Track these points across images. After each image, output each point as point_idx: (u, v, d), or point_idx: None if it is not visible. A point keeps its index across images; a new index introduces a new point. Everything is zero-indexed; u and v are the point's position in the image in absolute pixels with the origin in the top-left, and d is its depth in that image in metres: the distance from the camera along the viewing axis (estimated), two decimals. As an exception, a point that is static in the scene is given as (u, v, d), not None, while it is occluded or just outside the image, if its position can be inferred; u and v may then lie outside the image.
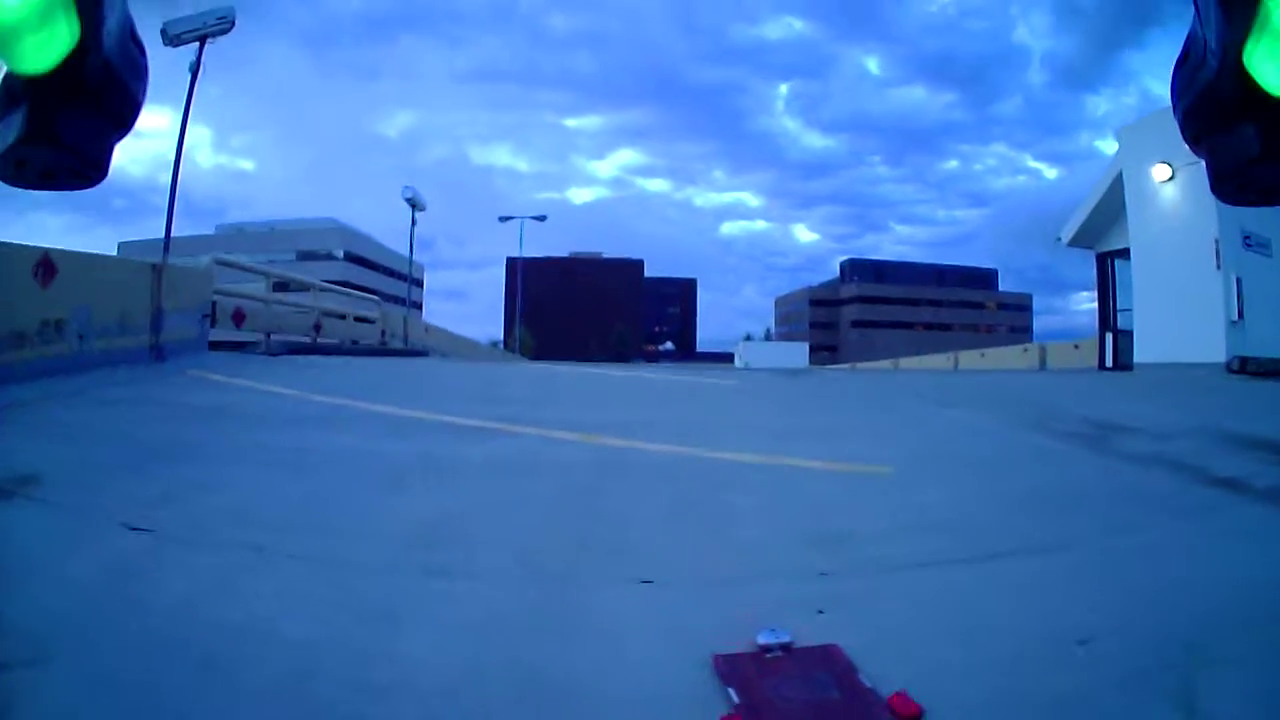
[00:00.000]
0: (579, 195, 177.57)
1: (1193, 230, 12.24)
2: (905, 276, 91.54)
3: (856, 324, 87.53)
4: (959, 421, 6.66)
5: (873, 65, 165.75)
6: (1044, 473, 4.29)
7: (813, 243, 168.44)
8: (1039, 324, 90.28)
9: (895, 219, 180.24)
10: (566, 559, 2.71)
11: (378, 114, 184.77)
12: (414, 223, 23.03)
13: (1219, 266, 11.92)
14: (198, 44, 11.51)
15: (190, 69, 11.64)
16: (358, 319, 18.73)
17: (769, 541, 2.96)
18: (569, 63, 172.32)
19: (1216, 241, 11.88)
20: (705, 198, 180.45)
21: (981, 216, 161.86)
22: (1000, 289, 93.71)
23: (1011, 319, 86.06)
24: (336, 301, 18.19)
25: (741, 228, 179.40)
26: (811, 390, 10.02)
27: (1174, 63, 0.92)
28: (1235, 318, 12.02)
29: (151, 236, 13.04)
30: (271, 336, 13.33)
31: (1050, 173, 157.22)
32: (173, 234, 12.41)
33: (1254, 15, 0.77)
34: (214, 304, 11.25)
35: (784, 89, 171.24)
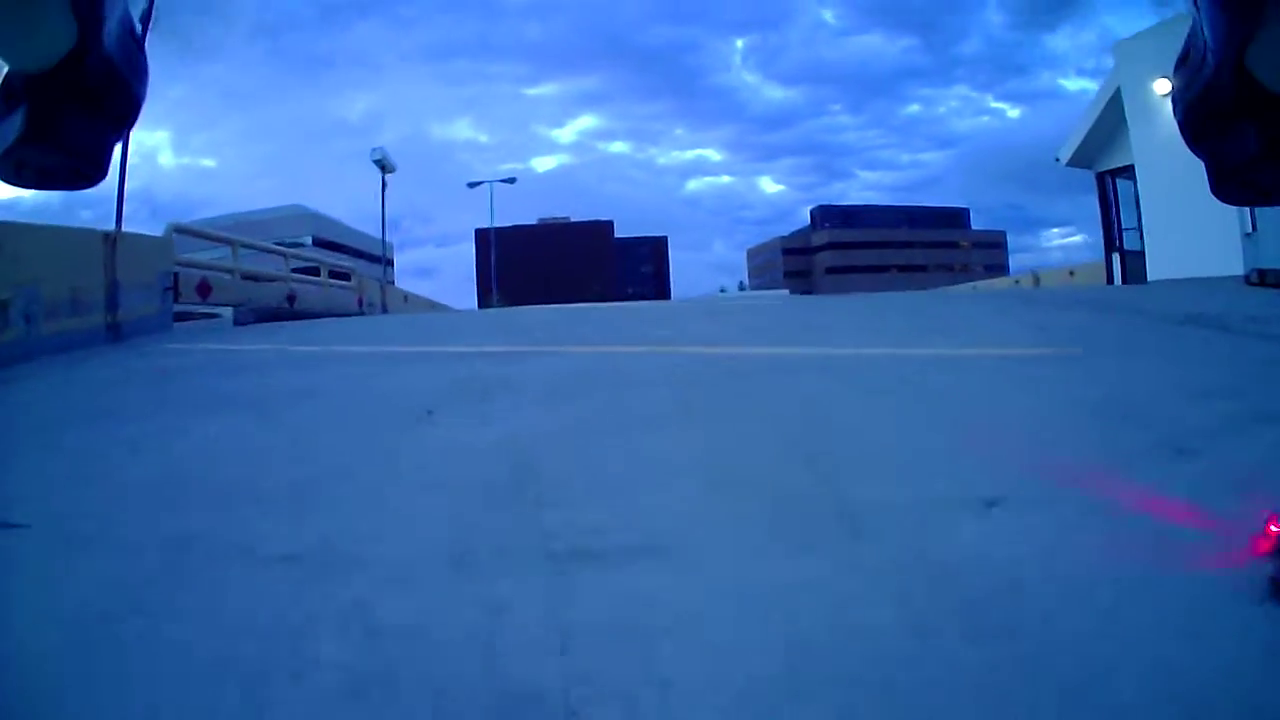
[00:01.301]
0: (542, 164, 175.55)
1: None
2: (876, 220, 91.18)
3: (830, 270, 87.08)
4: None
5: (828, 15, 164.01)
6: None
7: (779, 194, 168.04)
8: (1014, 261, 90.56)
9: (860, 165, 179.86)
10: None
11: (336, 99, 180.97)
12: (384, 185, 22.12)
13: (1229, 176, 11.42)
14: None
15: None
16: (333, 274, 17.90)
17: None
18: (521, 33, 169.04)
19: (1229, 152, 11.35)
20: (668, 156, 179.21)
21: (947, 158, 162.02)
22: (972, 228, 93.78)
23: (986, 257, 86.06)
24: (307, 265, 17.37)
25: (707, 184, 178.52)
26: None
27: (1173, 62, 0.87)
28: (1249, 230, 11.58)
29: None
30: (245, 307, 12.49)
31: (1013, 112, 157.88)
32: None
33: (1254, 15, 0.71)
34: (175, 275, 10.38)
35: (740, 43, 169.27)
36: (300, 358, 6.05)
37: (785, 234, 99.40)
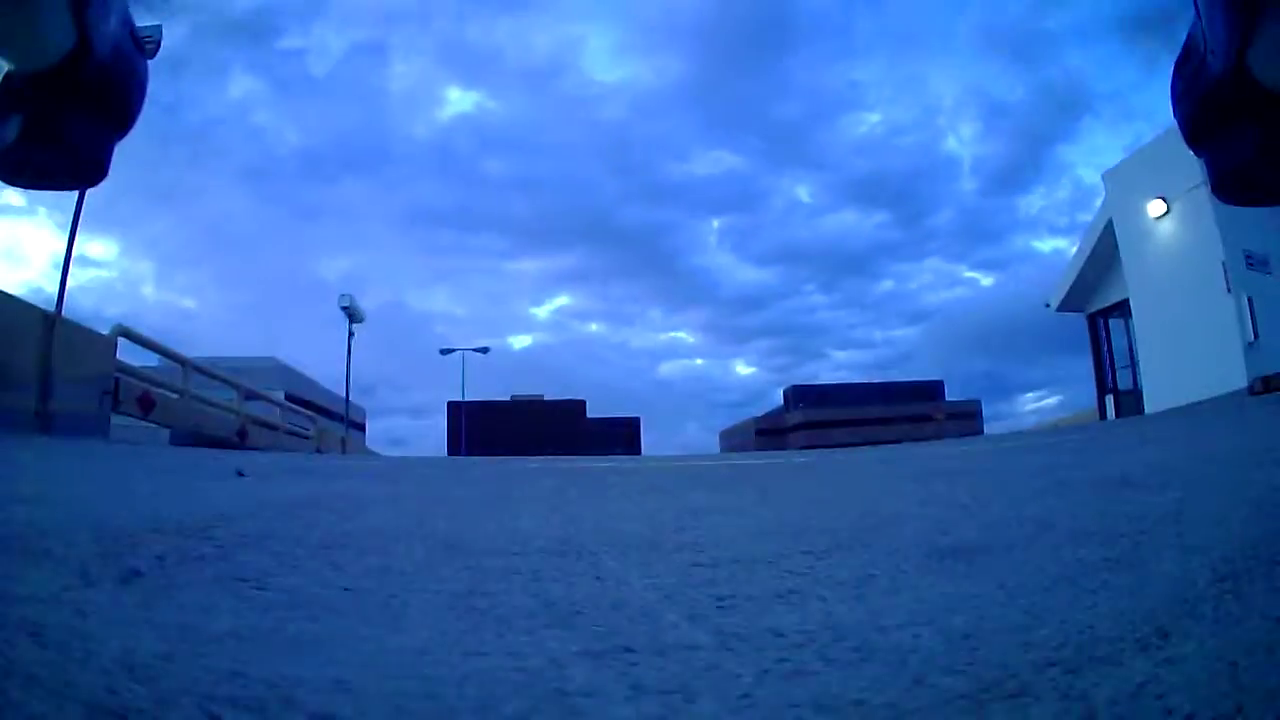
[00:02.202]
0: (518, 341, 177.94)
1: (1197, 258, 11.78)
2: (850, 398, 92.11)
3: (805, 449, 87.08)
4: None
5: (803, 193, 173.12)
6: None
7: (752, 375, 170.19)
8: (990, 428, 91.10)
9: (832, 345, 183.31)
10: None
11: (317, 256, 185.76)
12: (350, 334, 21.70)
13: (1229, 289, 11.32)
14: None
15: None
16: (290, 433, 16.98)
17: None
18: (504, 206, 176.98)
19: (1224, 264, 11.32)
20: (642, 338, 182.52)
21: (919, 333, 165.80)
22: (947, 399, 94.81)
23: (961, 427, 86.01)
24: (265, 410, 16.47)
25: (680, 366, 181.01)
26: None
27: (1173, 63, 0.90)
28: (1251, 338, 11.44)
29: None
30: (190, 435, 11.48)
31: (986, 280, 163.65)
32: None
33: (1255, 14, 0.73)
34: (117, 381, 9.53)
35: (716, 224, 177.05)
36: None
37: (758, 414, 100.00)
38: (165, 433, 11.64)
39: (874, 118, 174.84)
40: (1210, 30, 0.81)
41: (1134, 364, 13.72)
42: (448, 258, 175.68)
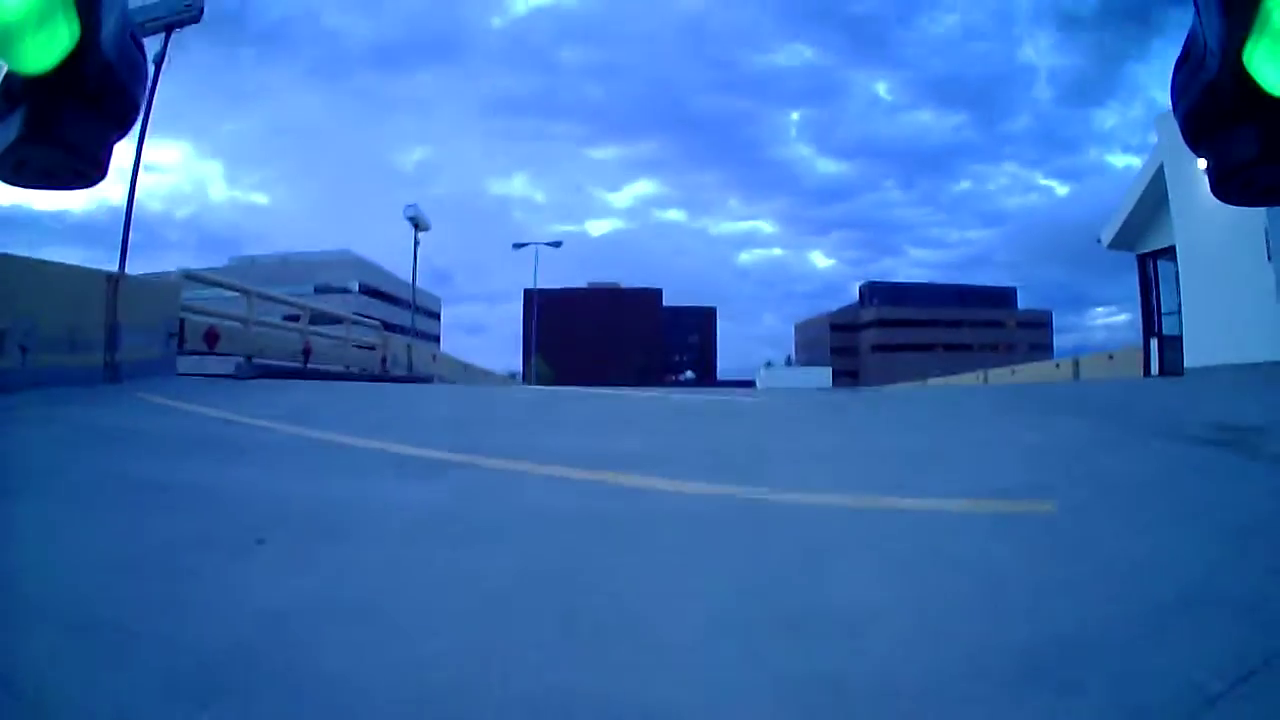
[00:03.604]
0: (596, 227, 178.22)
1: (1241, 220, 11.19)
2: (924, 298, 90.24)
3: (877, 348, 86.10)
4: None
5: (882, 90, 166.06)
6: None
7: (830, 268, 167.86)
8: (1059, 340, 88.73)
9: (910, 242, 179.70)
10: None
11: (392, 147, 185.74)
12: (416, 243, 22.42)
13: (1270, 258, 10.89)
14: (164, 34, 10.84)
15: (154, 60, 10.95)
16: (357, 346, 17.82)
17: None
18: (583, 94, 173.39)
19: (1266, 231, 10.84)
20: (721, 227, 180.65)
21: (995, 236, 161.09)
22: (1019, 307, 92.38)
23: (1031, 337, 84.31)
24: (329, 326, 17.35)
25: (758, 255, 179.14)
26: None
27: (1174, 63, 0.90)
28: None
29: (164, 269, 12.25)
30: (254, 360, 12.36)
31: (1061, 189, 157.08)
32: (187, 266, 11.64)
33: (1254, 15, 0.75)
34: (182, 322, 10.40)
35: (795, 116, 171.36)
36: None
37: (834, 309, 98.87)
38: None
39: (951, 19, 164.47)
40: (1210, 31, 0.83)
41: (1179, 311, 13.41)
42: (526, 143, 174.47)
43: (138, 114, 0.93)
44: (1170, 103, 0.96)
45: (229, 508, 3.13)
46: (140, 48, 0.94)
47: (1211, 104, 0.85)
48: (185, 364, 10.58)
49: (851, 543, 2.75)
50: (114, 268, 11.82)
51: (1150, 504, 3.25)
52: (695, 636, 1.95)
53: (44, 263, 8.14)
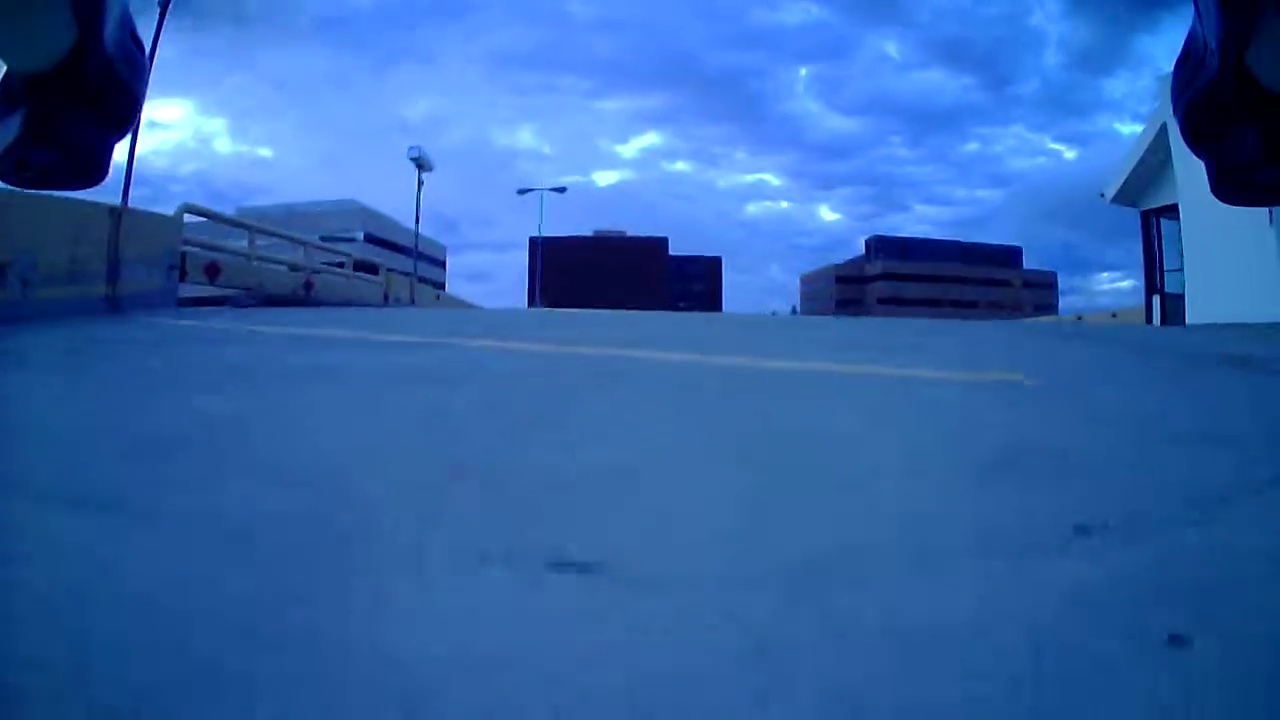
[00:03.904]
0: (603, 177, 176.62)
1: None
2: (930, 254, 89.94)
3: (882, 301, 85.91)
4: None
5: (891, 49, 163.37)
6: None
7: (836, 222, 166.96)
8: (1064, 302, 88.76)
9: (917, 199, 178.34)
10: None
11: (397, 99, 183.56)
12: (420, 183, 22.31)
13: (1271, 221, 10.87)
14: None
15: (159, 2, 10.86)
16: (358, 266, 17.74)
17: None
18: (590, 47, 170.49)
19: (1268, 196, 10.79)
20: (728, 179, 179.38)
21: (1002, 196, 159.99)
22: (1024, 267, 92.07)
23: (1036, 297, 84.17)
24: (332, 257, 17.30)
25: (765, 208, 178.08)
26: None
27: (1173, 63, 0.85)
28: None
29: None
30: (254, 291, 12.42)
31: (1069, 154, 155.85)
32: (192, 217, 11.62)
33: (1254, 15, 0.69)
34: (183, 255, 10.46)
35: (804, 72, 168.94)
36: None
37: (839, 262, 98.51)
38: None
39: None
40: (1210, 30, 0.81)
41: (1182, 269, 13.41)
42: (533, 96, 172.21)
43: (139, 113, 0.92)
44: (1170, 102, 0.89)
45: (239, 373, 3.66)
46: (141, 46, 0.92)
47: (1211, 104, 0.82)
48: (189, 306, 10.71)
49: (835, 390, 3.27)
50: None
51: (1166, 394, 3.79)
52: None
53: (47, 196, 8.17)
